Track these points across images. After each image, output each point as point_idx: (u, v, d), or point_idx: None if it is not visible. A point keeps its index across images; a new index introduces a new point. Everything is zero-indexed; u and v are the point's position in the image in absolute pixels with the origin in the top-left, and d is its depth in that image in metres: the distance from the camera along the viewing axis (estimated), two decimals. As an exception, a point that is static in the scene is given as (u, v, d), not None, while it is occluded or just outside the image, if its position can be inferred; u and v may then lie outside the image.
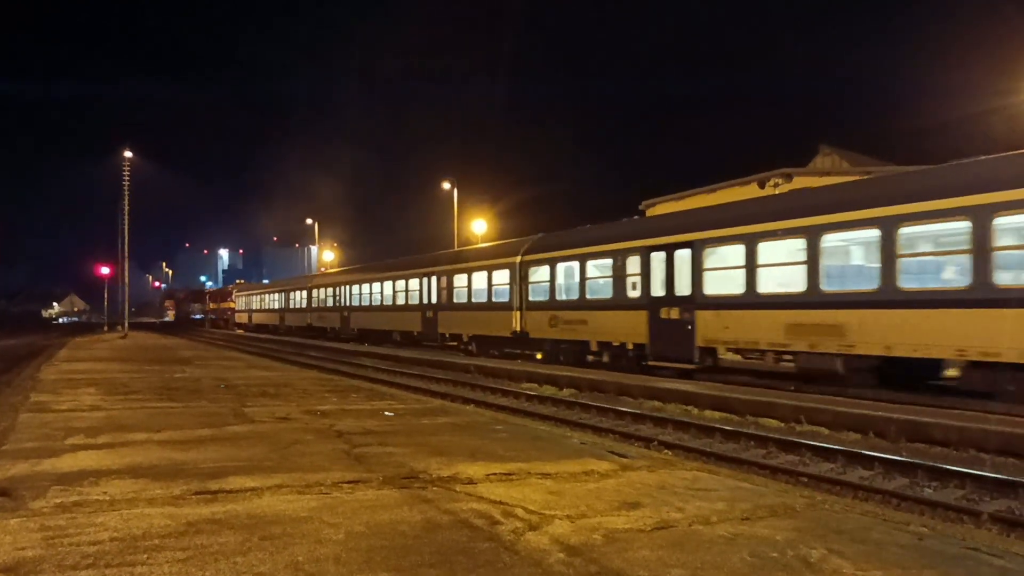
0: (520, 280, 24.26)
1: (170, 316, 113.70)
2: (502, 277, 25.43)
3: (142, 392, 13.61)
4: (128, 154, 48.26)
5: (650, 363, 18.40)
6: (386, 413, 11.03)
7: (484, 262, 27.34)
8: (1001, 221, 11.87)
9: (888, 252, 13.32)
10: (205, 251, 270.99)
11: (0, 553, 4.27)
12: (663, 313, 18.05)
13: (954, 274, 12.67)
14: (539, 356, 23.79)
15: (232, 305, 72.88)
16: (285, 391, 14.08)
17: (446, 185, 48.29)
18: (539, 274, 23.40)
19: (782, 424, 12.71)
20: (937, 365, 13.72)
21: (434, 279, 31.19)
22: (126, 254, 51.54)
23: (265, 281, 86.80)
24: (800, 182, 38.41)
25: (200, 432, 8.90)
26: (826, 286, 14.44)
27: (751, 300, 15.79)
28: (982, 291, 11.87)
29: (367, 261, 54.43)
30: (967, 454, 10.21)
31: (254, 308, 63.82)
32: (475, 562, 4.21)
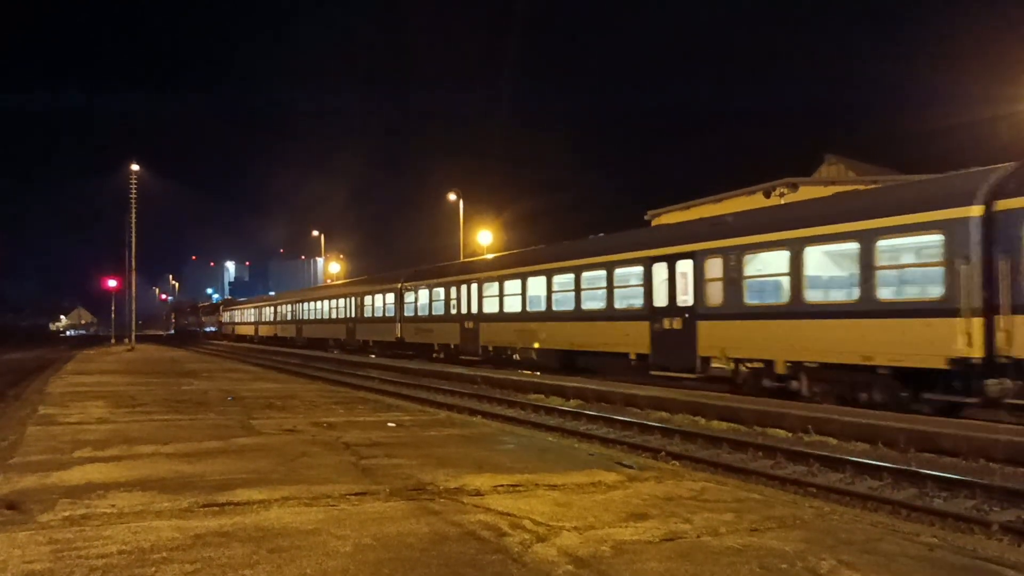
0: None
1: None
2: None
3: (149, 404, 13.64)
4: (135, 167, 48.52)
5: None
6: (392, 425, 11.03)
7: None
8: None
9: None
10: (211, 263, 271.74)
11: (9, 567, 4.27)
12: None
13: None
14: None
15: (220, 319, 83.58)
16: (292, 403, 14.09)
17: (452, 196, 48.35)
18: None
19: (790, 434, 12.66)
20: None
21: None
22: (133, 267, 51.72)
23: (271, 293, 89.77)
24: (806, 191, 38.46)
25: (207, 444, 8.91)
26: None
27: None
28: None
29: (373, 272, 54.78)
30: (977, 464, 10.15)
31: (236, 321, 75.63)
32: (483, 574, 4.21)
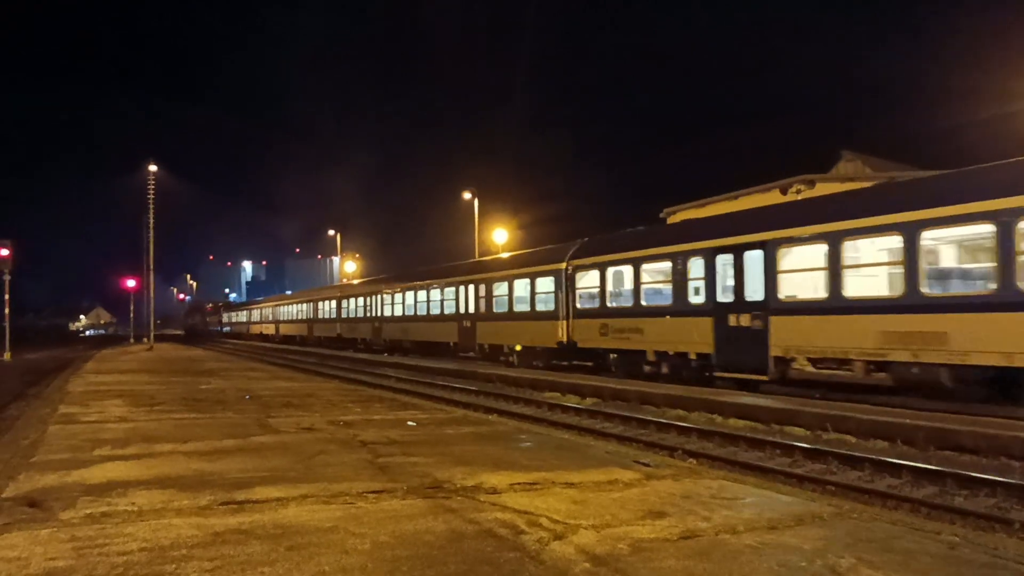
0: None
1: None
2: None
3: (168, 403, 13.74)
4: (153, 168, 48.90)
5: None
6: (409, 423, 11.06)
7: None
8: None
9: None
10: (228, 263, 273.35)
11: (32, 564, 4.32)
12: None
13: None
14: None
15: (220, 319, 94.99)
16: (309, 401, 14.16)
17: (467, 195, 48.39)
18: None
19: (808, 432, 12.58)
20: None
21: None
22: (151, 267, 52.18)
23: (288, 292, 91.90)
24: (823, 188, 38.14)
25: (226, 443, 8.97)
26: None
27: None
28: None
29: (390, 271, 54.95)
30: (998, 462, 10.05)
31: (234, 321, 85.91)
32: (500, 572, 4.21)
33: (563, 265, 23.69)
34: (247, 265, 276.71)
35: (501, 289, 27.50)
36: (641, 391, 17.18)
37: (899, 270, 13.69)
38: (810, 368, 15.31)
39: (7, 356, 40.49)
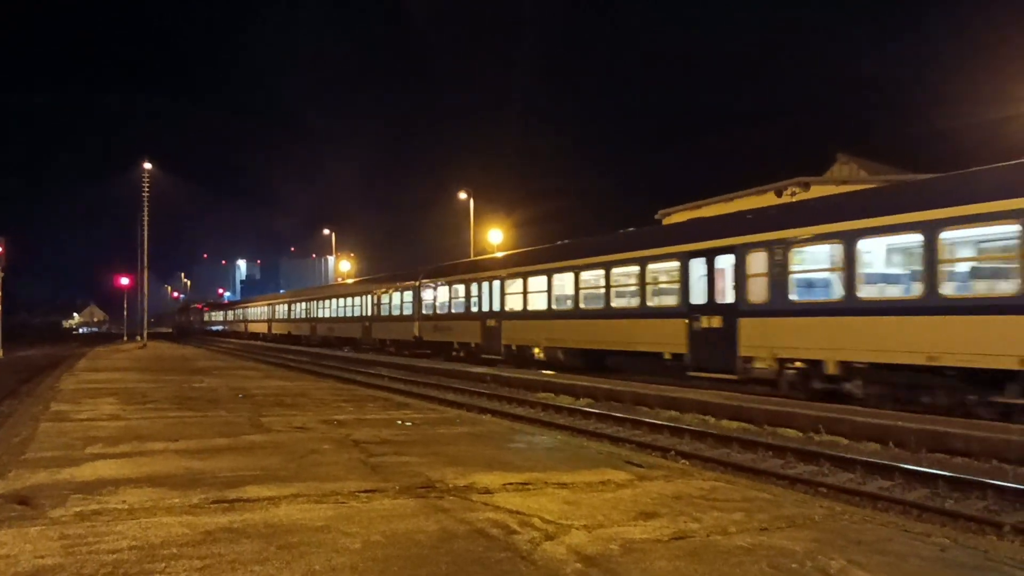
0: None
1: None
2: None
3: (160, 402, 13.70)
4: (147, 166, 48.75)
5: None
6: (402, 423, 11.04)
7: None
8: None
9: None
10: (223, 262, 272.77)
11: (21, 561, 4.30)
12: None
13: None
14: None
15: (203, 319, 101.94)
16: (302, 401, 14.13)
17: (463, 195, 48.38)
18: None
19: (800, 434, 12.61)
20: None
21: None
22: (145, 265, 51.96)
23: (282, 291, 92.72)
24: (818, 190, 38.38)
25: (217, 441, 8.94)
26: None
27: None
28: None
29: (386, 270, 55.15)
30: (989, 465, 10.09)
31: (216, 320, 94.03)
32: (492, 572, 4.20)
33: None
34: (241, 264, 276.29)
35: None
36: (635, 392, 17.19)
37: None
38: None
39: (0, 353, 40.34)
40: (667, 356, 18.72)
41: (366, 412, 12.44)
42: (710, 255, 17.51)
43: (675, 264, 18.58)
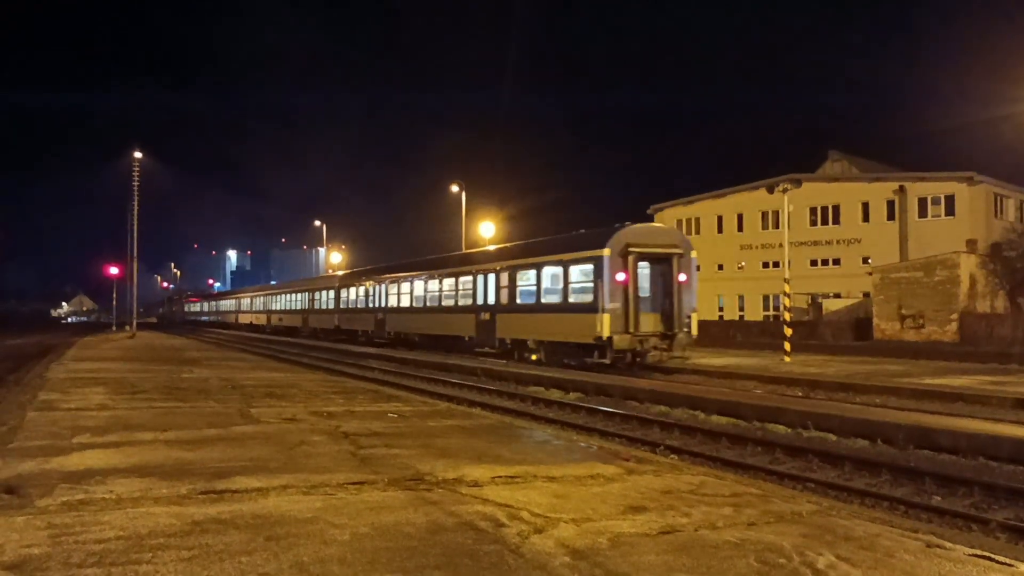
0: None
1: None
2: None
3: (149, 392, 13.65)
4: (138, 155, 48.48)
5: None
6: (392, 415, 11.03)
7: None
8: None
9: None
10: (213, 252, 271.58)
11: (7, 551, 4.28)
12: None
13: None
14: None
15: (183, 309, 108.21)
16: (292, 392, 14.10)
17: (455, 188, 48.29)
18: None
19: (789, 430, 12.66)
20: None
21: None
22: (134, 254, 51.72)
23: (274, 283, 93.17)
24: (809, 187, 38.50)
25: (207, 432, 8.92)
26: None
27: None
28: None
29: (377, 262, 55.32)
30: (976, 462, 10.15)
31: (192, 311, 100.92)
32: (480, 564, 4.20)
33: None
34: (232, 254, 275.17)
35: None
36: (625, 386, 17.22)
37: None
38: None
39: (-13, 342, 40.11)
40: (466, 338, 28.84)
41: (356, 404, 12.43)
42: (486, 273, 27.42)
43: (470, 278, 28.60)
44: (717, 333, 44.99)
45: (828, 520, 5.50)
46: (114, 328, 64.77)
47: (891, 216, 46.38)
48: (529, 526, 4.98)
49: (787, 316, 26.64)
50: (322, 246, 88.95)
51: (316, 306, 48.11)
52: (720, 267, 54.25)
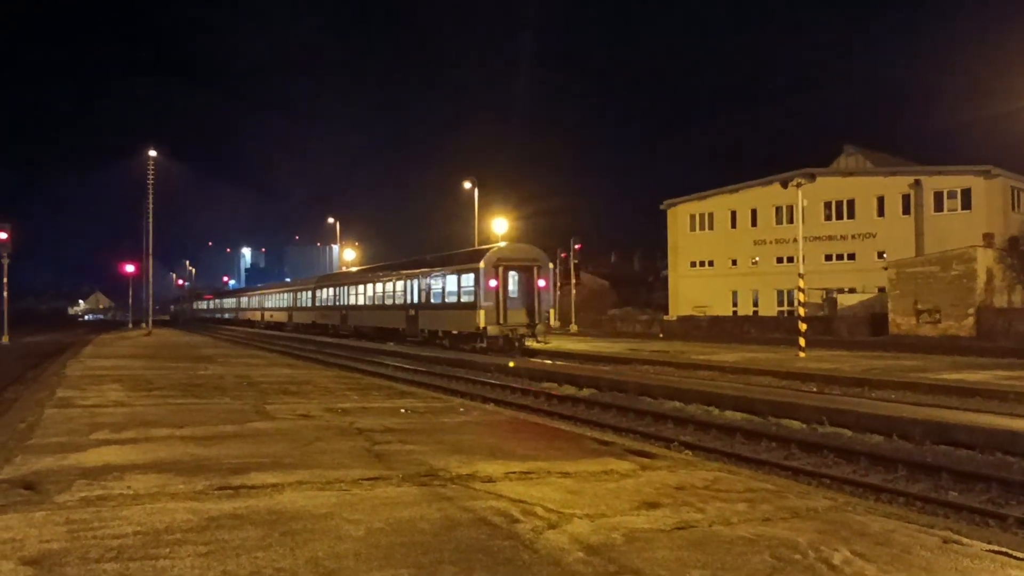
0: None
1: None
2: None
3: (166, 388, 13.75)
4: (152, 153, 48.76)
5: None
6: (406, 411, 11.06)
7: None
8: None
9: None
10: (228, 249, 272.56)
11: (26, 546, 4.32)
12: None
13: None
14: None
15: (192, 306, 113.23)
16: (306, 389, 14.17)
17: (467, 185, 48.30)
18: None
19: (804, 426, 12.60)
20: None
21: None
22: (150, 252, 52.07)
23: (287, 280, 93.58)
24: (823, 182, 38.32)
25: (222, 428, 8.98)
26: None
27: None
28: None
29: (387, 259, 55.87)
30: (994, 457, 10.07)
31: (200, 308, 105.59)
32: (494, 560, 4.21)
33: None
34: (246, 252, 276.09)
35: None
36: (639, 382, 17.20)
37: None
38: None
39: (5, 339, 40.50)
40: (399, 330, 35.20)
41: (370, 400, 12.47)
42: (410, 279, 34.66)
43: (402, 283, 35.57)
44: (731, 328, 44.81)
45: (844, 516, 5.48)
46: (130, 325, 65.28)
47: (906, 210, 46.03)
48: (543, 522, 4.99)
49: (801, 311, 26.49)
50: (335, 243, 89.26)
51: (298, 304, 55.36)
52: (734, 262, 54.03)
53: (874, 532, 4.99)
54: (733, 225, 54.52)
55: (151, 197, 49.33)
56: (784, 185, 30.21)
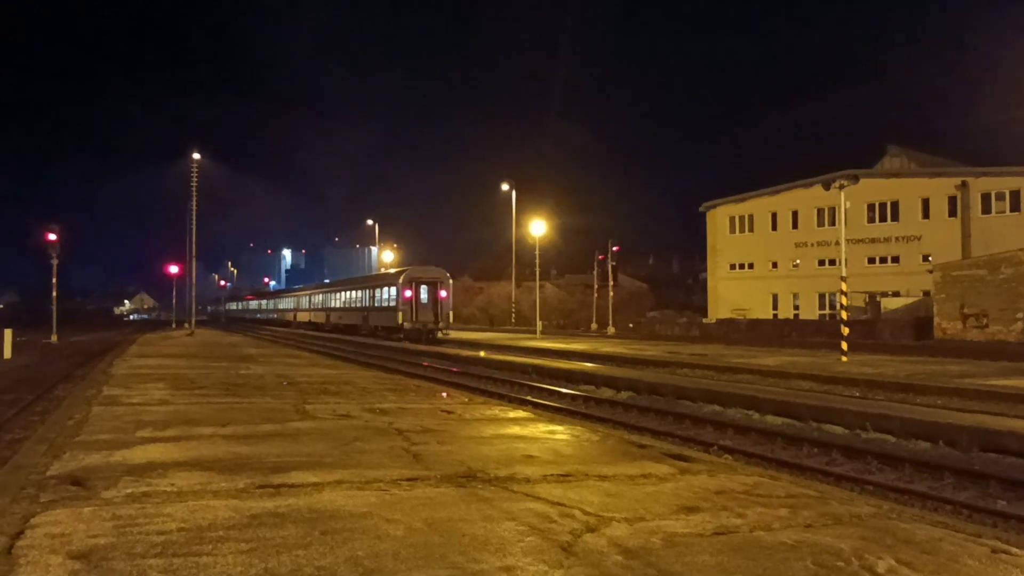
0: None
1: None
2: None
3: (208, 388, 13.97)
4: (196, 156, 49.61)
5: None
6: (444, 412, 11.10)
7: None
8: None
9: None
10: (269, 251, 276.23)
11: (74, 540, 4.42)
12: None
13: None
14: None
15: (225, 307, 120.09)
16: (346, 389, 14.29)
17: (505, 187, 48.36)
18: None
19: (846, 431, 12.39)
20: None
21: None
22: (193, 253, 53.04)
23: (326, 281, 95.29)
24: (866, 183, 37.71)
25: (264, 427, 9.09)
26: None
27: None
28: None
29: (424, 261, 57.21)
30: (1044, 466, 9.80)
31: (235, 309, 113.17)
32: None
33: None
34: (287, 253, 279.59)
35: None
36: (677, 385, 17.06)
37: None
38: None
39: (54, 338, 41.48)
40: (358, 326, 46.92)
41: (408, 401, 12.54)
42: (370, 289, 46.91)
43: (362, 291, 48.66)
44: (771, 332, 44.18)
45: (888, 523, 5.37)
46: (173, 325, 66.46)
47: (953, 212, 45.11)
48: (582, 524, 4.97)
49: (844, 315, 26.07)
50: (374, 244, 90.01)
51: (304, 306, 68.85)
52: (774, 265, 53.40)
53: (920, 540, 4.89)
54: (774, 227, 53.91)
55: (195, 200, 50.23)
56: (826, 186, 29.71)
